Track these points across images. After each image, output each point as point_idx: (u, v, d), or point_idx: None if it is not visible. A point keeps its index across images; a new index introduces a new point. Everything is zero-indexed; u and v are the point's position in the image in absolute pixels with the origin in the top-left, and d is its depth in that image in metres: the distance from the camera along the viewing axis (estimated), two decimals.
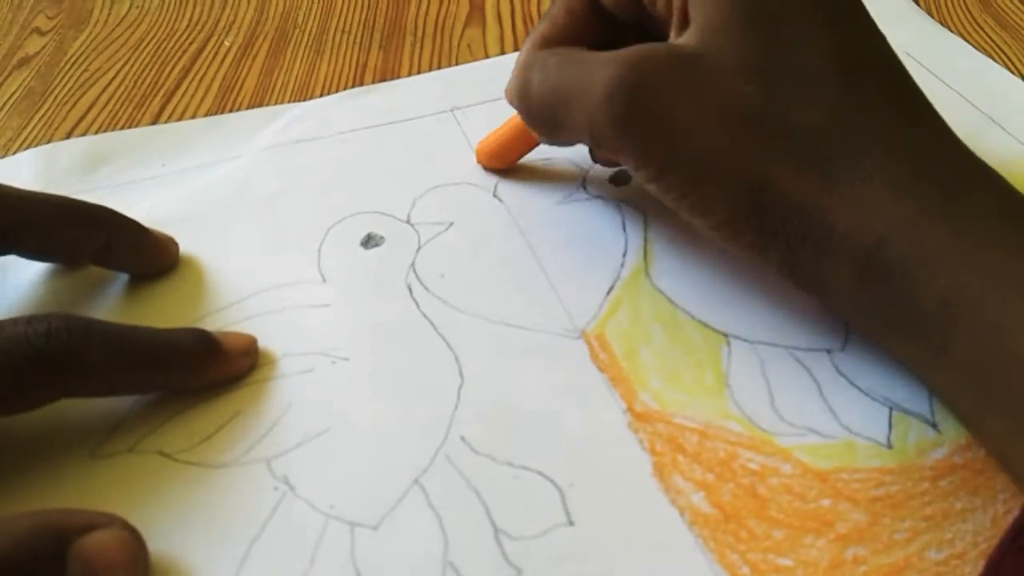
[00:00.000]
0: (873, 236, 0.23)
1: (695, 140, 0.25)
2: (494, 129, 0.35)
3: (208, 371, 0.27)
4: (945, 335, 0.22)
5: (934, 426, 0.25)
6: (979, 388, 0.22)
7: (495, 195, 0.34)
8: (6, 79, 0.43)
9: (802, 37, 0.25)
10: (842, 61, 0.25)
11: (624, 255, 0.31)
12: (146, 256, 0.31)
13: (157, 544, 0.23)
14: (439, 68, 0.42)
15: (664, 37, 0.28)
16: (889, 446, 0.25)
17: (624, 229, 0.32)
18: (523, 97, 0.29)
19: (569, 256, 0.31)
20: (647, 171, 0.26)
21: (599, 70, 0.26)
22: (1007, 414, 0.21)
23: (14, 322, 0.23)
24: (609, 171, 0.34)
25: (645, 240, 0.31)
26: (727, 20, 0.25)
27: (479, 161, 0.35)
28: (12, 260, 0.29)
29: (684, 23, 0.26)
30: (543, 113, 0.29)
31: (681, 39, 0.26)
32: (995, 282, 0.22)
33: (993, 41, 0.42)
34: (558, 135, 0.29)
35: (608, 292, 0.30)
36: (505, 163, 0.35)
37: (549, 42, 0.30)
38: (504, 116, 0.34)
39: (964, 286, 0.22)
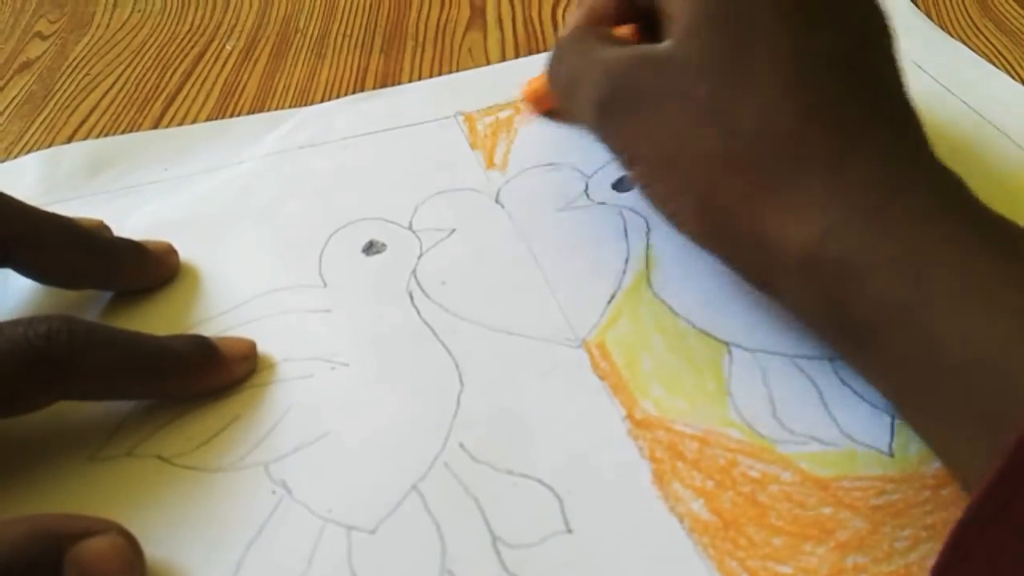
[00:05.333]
0: (805, 243, 0.23)
1: (656, 138, 0.26)
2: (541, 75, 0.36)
3: (207, 378, 0.27)
4: (880, 345, 0.22)
5: None
6: (920, 395, 0.22)
7: (497, 201, 0.34)
8: (8, 83, 0.43)
9: (762, 39, 0.25)
10: (796, 64, 0.25)
11: (626, 263, 0.31)
12: (145, 277, 0.31)
13: (154, 547, 0.23)
14: (440, 72, 0.42)
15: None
16: (891, 454, 0.25)
17: (626, 236, 0.32)
18: (549, 79, 0.32)
19: (571, 263, 0.31)
20: (619, 161, 0.29)
21: (593, 71, 0.28)
22: (948, 424, 0.21)
23: (14, 324, 0.23)
24: (612, 177, 0.34)
25: (647, 248, 0.31)
26: (696, 21, 0.26)
27: (526, 101, 0.38)
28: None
29: (668, 23, 0.27)
30: (559, 97, 0.32)
31: (664, 40, 0.27)
32: (928, 283, 0.21)
33: (993, 46, 0.42)
34: (572, 118, 0.33)
35: (609, 300, 0.30)
36: (545, 108, 0.37)
37: (588, 20, 0.32)
38: (508, 123, 0.34)
39: (892, 295, 0.22)
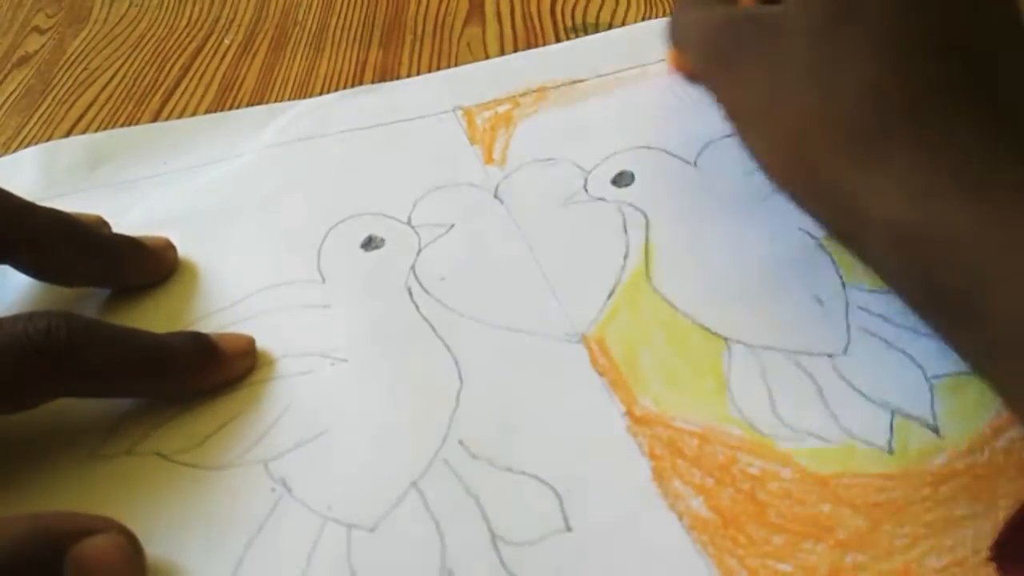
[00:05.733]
0: (895, 213, 0.23)
1: (758, 91, 0.27)
2: None
3: (206, 375, 0.27)
4: (976, 313, 0.22)
5: (936, 431, 0.25)
6: (1018, 370, 0.22)
7: (496, 196, 0.34)
8: (5, 77, 0.43)
9: (867, 7, 0.25)
10: (900, 35, 0.25)
11: (625, 258, 0.31)
12: (143, 274, 0.31)
13: (155, 545, 0.23)
14: (439, 66, 0.42)
15: None
16: (890, 451, 0.25)
17: (625, 232, 0.32)
18: (668, 34, 0.34)
19: (570, 259, 0.31)
20: (722, 113, 0.29)
21: (707, 26, 0.30)
22: None
23: (13, 319, 0.23)
24: (611, 173, 0.34)
25: (646, 243, 0.31)
26: None
27: (671, 61, 0.38)
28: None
29: None
30: (677, 48, 0.34)
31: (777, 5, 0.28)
32: (1020, 260, 0.21)
33: None
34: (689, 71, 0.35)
35: (609, 296, 0.30)
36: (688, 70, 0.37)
37: None
38: (507, 117, 0.34)
39: (989, 265, 0.21)
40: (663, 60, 0.39)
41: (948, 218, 0.22)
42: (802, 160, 0.26)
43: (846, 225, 0.25)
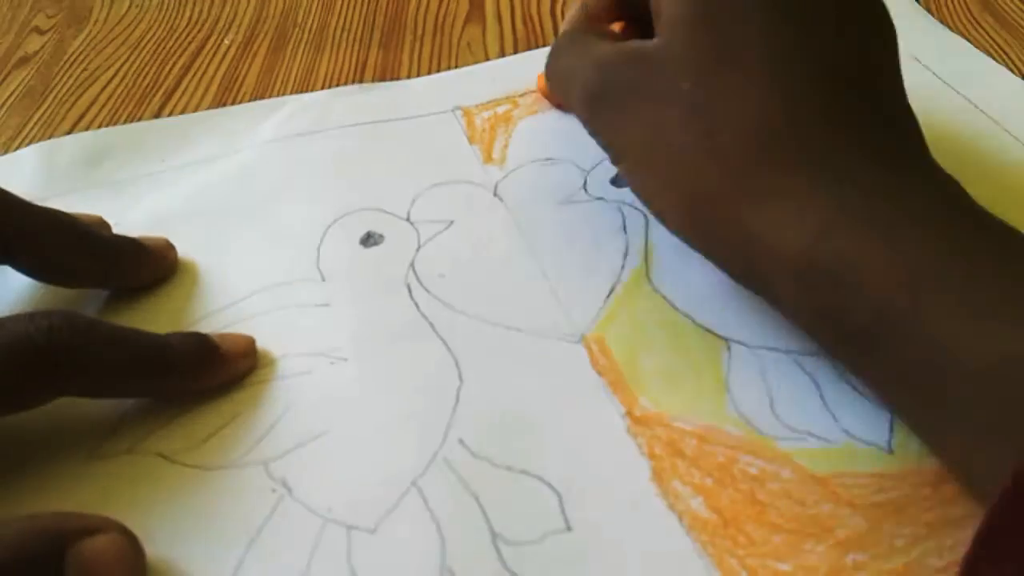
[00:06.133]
0: (797, 247, 0.22)
1: (642, 132, 0.26)
2: None
3: (206, 375, 0.27)
4: (885, 349, 0.21)
5: None
6: (928, 404, 0.21)
7: (495, 194, 0.34)
8: (6, 78, 0.43)
9: (749, 35, 0.25)
10: (783, 62, 0.24)
11: (625, 258, 0.31)
12: (144, 274, 0.31)
13: (155, 545, 0.23)
14: (439, 66, 0.42)
15: None
16: (890, 451, 0.25)
17: (625, 231, 0.32)
18: (546, 75, 0.33)
19: (569, 258, 0.31)
20: (609, 156, 0.28)
21: (585, 66, 0.29)
22: (957, 432, 0.21)
23: (15, 319, 0.23)
24: (611, 172, 0.34)
25: (646, 242, 0.31)
26: (683, 16, 0.26)
27: (539, 90, 0.38)
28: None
29: (658, 19, 0.27)
30: (556, 92, 0.33)
31: (654, 37, 0.27)
32: (930, 291, 0.21)
33: (993, 40, 0.42)
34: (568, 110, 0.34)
35: (608, 295, 0.30)
36: (557, 100, 0.38)
37: (584, 18, 0.33)
38: (506, 117, 0.34)
39: (895, 296, 0.21)
40: (531, 91, 0.39)
41: (849, 256, 0.22)
42: (695, 200, 0.25)
43: (746, 265, 0.25)
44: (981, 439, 0.20)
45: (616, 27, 0.32)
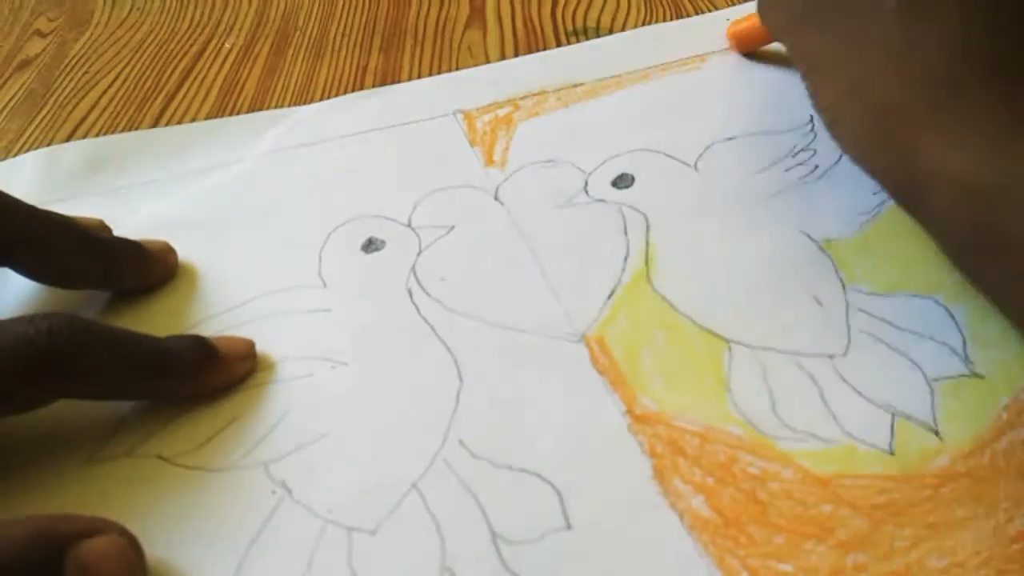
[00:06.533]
0: (960, 166, 0.23)
1: (838, 44, 0.28)
2: (746, 16, 0.39)
3: (206, 378, 0.27)
4: None
5: (936, 433, 0.25)
6: None
7: (496, 197, 0.34)
8: (7, 81, 0.43)
9: None
10: None
11: (625, 259, 0.31)
12: (144, 277, 0.31)
13: (155, 547, 0.23)
14: (440, 70, 0.42)
15: None
16: (891, 452, 0.25)
17: (626, 233, 0.32)
18: (759, 5, 0.35)
19: (570, 259, 0.31)
20: (801, 73, 0.30)
21: None
22: None
23: (15, 321, 0.23)
24: (612, 175, 0.34)
25: (647, 244, 0.31)
26: None
27: (730, 40, 0.40)
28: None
29: None
30: (768, 18, 0.34)
31: None
32: None
33: None
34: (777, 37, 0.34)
35: (609, 296, 0.30)
36: (746, 48, 0.40)
37: None
38: (507, 120, 0.34)
39: None
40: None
41: (1009, 173, 0.22)
42: (880, 109, 0.26)
43: (912, 178, 0.25)
44: None
45: None
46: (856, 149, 0.27)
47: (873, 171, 0.27)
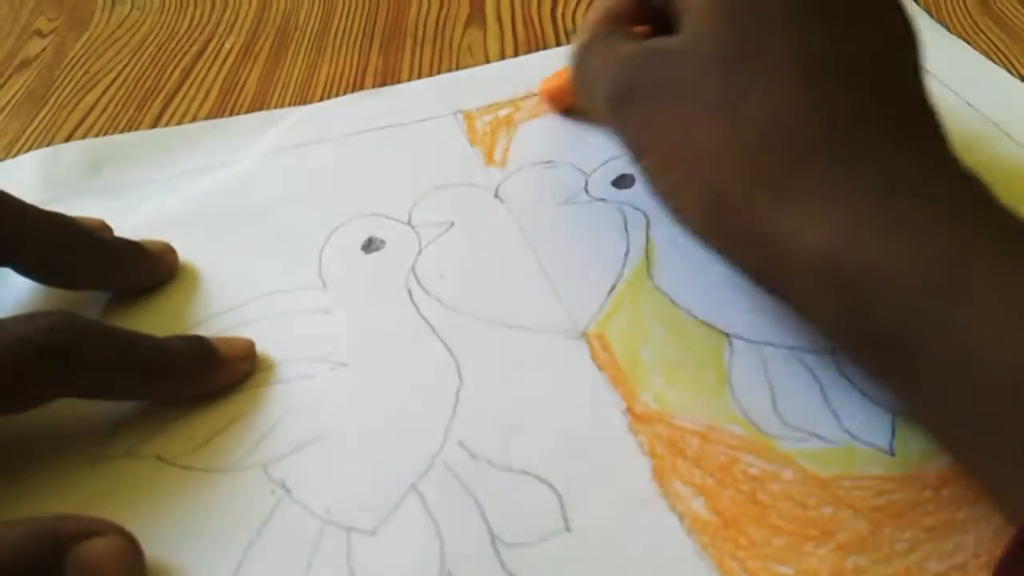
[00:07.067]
0: (823, 245, 0.22)
1: (664, 129, 0.26)
2: (556, 72, 0.37)
3: (205, 378, 0.27)
4: (910, 356, 0.21)
5: None
6: (954, 413, 0.20)
7: (496, 195, 0.34)
8: (7, 81, 0.43)
9: (773, 33, 0.25)
10: (807, 60, 0.24)
11: (626, 255, 0.31)
12: (144, 277, 0.31)
13: (154, 548, 0.23)
14: (440, 70, 0.42)
15: None
16: (891, 453, 0.25)
17: (626, 230, 0.32)
18: (574, 77, 0.32)
19: (570, 256, 0.31)
20: (630, 154, 0.28)
21: (610, 65, 0.28)
22: (988, 442, 0.20)
23: (15, 320, 0.23)
24: (612, 175, 0.34)
25: (647, 240, 0.31)
26: (708, 13, 0.26)
27: (541, 94, 0.38)
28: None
29: (681, 17, 0.27)
30: (580, 93, 0.33)
31: (677, 35, 0.27)
32: (966, 289, 0.20)
33: (992, 42, 0.42)
34: (591, 114, 0.34)
35: (609, 292, 0.30)
36: (561, 107, 0.38)
37: (605, 20, 0.32)
38: (507, 121, 0.35)
39: (927, 294, 0.20)
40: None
41: (879, 254, 0.21)
42: (717, 197, 0.25)
43: (767, 265, 0.24)
44: (1007, 450, 0.19)
45: (639, 30, 0.32)
46: (707, 239, 0.26)
47: (726, 259, 0.26)
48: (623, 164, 0.34)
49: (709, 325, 0.28)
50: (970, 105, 0.37)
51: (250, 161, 0.36)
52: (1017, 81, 0.38)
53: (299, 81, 0.42)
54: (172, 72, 0.43)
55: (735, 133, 0.24)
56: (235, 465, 0.25)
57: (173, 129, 0.39)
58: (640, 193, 0.33)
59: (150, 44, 0.46)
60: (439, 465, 0.25)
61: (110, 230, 0.32)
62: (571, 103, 0.37)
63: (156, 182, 0.36)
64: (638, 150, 0.28)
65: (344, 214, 0.33)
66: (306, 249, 0.32)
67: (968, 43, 0.41)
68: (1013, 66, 0.40)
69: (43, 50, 0.46)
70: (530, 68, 0.40)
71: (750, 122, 0.24)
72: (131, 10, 0.49)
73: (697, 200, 0.26)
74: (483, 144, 0.36)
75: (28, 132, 0.39)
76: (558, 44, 0.43)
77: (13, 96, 0.42)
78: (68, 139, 0.39)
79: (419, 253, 0.31)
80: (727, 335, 0.28)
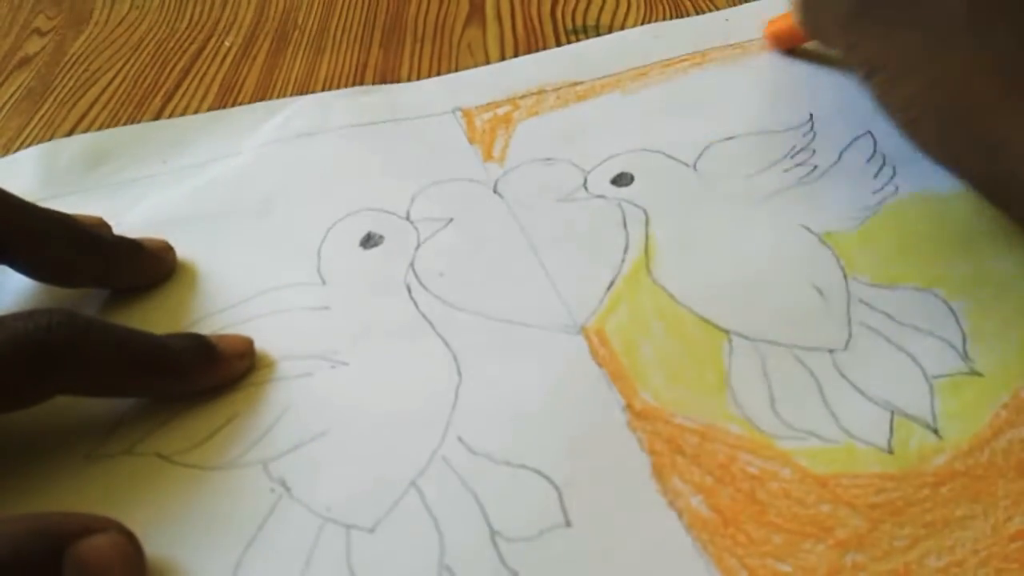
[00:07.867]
0: None
1: (905, 43, 0.27)
2: (780, 15, 0.39)
3: (204, 376, 0.27)
4: None
5: (936, 432, 0.25)
6: None
7: (495, 191, 0.34)
8: (6, 79, 0.43)
9: None
10: None
11: (625, 251, 0.31)
12: (142, 275, 0.31)
13: (154, 545, 0.23)
14: (439, 68, 0.42)
15: None
16: (890, 451, 0.25)
17: (625, 226, 0.32)
18: (797, 5, 0.34)
19: (569, 251, 0.31)
20: (860, 73, 0.29)
21: None
22: None
23: (14, 317, 0.23)
24: (611, 173, 0.34)
25: (647, 236, 0.31)
26: None
27: (766, 39, 0.40)
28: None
29: None
30: (805, 18, 0.34)
31: None
32: None
33: None
34: (820, 38, 0.35)
35: (609, 287, 0.30)
36: (785, 46, 0.40)
37: None
38: (506, 119, 0.35)
39: None
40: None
41: None
42: (959, 110, 0.26)
43: (1007, 176, 0.25)
44: None
45: None
46: (937, 147, 0.27)
47: (955, 167, 0.27)
48: (621, 162, 0.34)
49: (708, 322, 0.28)
50: None
51: (250, 154, 0.36)
52: None
53: (298, 79, 0.42)
54: (171, 70, 0.43)
55: (984, 50, 0.25)
56: (234, 462, 0.25)
57: (172, 121, 0.39)
58: (639, 191, 0.33)
59: (149, 42, 0.46)
60: (439, 462, 0.25)
61: (109, 228, 0.32)
62: (794, 43, 0.39)
63: (156, 176, 0.36)
64: (874, 63, 0.28)
65: (342, 208, 0.33)
66: (305, 246, 0.32)
67: None
68: None
69: (42, 48, 0.46)
70: (529, 67, 0.40)
71: (1000, 40, 0.25)
72: (130, 8, 0.49)
73: (934, 112, 0.26)
74: (482, 142, 0.36)
75: (27, 130, 0.39)
76: (558, 43, 0.43)
77: (12, 94, 0.42)
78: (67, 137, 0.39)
79: (417, 248, 0.31)
80: (726, 332, 0.28)
